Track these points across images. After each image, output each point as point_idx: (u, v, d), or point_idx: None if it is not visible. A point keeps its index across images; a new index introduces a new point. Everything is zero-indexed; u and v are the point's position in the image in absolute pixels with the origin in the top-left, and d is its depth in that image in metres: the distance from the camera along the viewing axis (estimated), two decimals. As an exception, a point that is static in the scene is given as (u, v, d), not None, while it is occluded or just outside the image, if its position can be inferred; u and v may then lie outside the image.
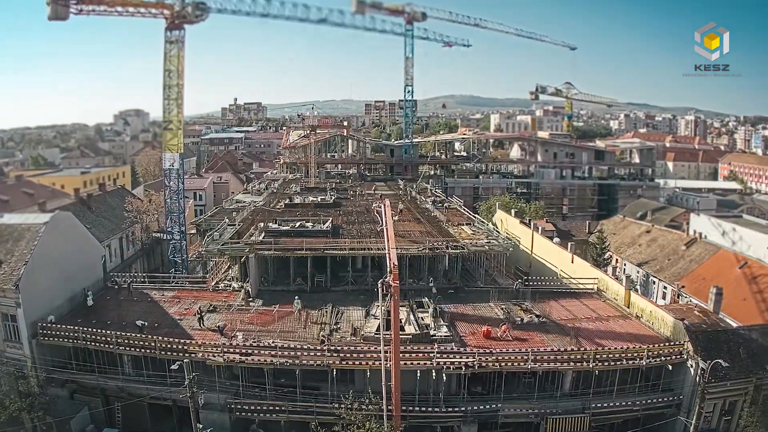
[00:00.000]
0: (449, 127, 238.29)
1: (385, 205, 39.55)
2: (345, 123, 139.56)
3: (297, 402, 33.12)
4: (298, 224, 51.67)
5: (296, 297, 40.92)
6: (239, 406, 33.38)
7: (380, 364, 31.05)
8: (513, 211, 72.54)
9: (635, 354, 33.77)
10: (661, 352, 34.06)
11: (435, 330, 36.38)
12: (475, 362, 32.90)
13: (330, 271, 45.07)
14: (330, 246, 45.12)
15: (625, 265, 60.97)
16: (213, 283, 47.14)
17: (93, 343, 35.35)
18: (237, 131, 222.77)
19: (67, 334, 35.74)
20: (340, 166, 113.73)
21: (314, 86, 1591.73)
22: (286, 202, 65.83)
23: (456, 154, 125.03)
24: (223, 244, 45.16)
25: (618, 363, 33.62)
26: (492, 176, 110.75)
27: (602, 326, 38.61)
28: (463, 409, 32.98)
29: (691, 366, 33.23)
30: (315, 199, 68.02)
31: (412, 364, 32.68)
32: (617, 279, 45.85)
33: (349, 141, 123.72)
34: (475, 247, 46.44)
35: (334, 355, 33.26)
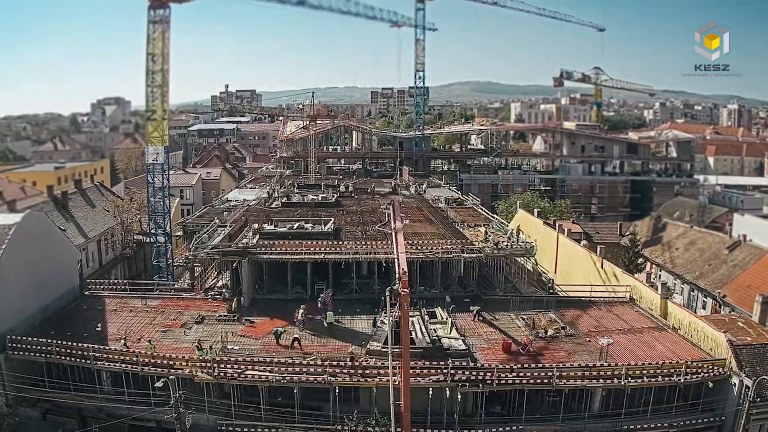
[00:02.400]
0: (465, 117, 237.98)
1: (394, 206, 39.51)
2: (351, 114, 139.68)
3: (295, 423, 33.06)
4: (296, 225, 51.76)
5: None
6: (231, 428, 33.34)
7: (388, 381, 31.05)
8: (536, 210, 72.43)
9: (672, 370, 33.69)
10: (700, 367, 33.92)
11: (449, 343, 36.37)
12: (494, 379, 32.88)
13: (332, 277, 45.18)
14: (332, 250, 45.19)
15: (660, 271, 60.75)
16: (201, 291, 47.29)
17: (68, 358, 35.44)
18: (228, 122, 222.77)
19: (39, 348, 35.82)
20: (342, 160, 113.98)
21: (314, 72, 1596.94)
22: (283, 200, 65.98)
23: (472, 147, 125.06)
24: (212, 248, 45.26)
25: (653, 380, 33.55)
26: (512, 172, 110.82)
27: (635, 339, 38.55)
28: (480, 431, 32.89)
29: (735, 383, 33.10)
30: (315, 197, 68.16)
31: (423, 380, 32.69)
32: (652, 286, 45.72)
33: (354, 133, 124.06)
34: (493, 251, 46.40)
35: (337, 371, 33.31)
